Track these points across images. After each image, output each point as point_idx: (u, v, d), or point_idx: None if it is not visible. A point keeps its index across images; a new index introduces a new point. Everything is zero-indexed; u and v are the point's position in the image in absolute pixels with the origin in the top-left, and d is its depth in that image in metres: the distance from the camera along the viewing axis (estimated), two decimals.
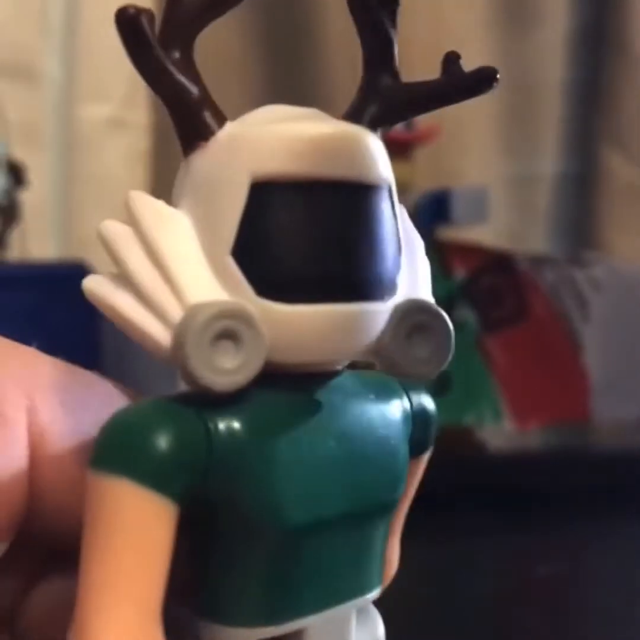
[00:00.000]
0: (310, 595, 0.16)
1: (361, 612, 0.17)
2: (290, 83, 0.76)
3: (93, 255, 0.74)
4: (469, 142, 0.82)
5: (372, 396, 0.16)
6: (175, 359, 0.14)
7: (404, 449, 0.17)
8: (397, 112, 0.16)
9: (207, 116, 0.16)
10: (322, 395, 0.16)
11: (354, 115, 0.16)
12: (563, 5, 0.87)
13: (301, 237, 0.15)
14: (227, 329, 0.14)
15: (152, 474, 0.14)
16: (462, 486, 0.58)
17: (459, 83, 0.16)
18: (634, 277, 0.72)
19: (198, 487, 0.14)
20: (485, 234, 0.75)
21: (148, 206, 0.16)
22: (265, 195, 0.15)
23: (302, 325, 0.15)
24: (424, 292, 0.16)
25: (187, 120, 0.16)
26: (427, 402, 0.18)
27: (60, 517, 0.17)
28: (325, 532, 0.16)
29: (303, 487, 0.15)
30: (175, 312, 0.14)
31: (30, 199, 0.72)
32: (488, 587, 0.47)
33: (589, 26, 0.88)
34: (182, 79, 0.15)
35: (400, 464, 0.17)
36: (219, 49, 0.84)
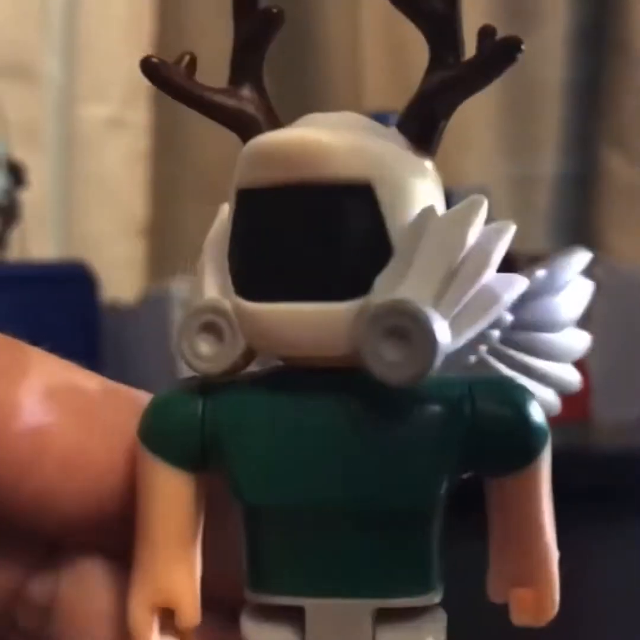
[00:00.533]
0: (304, 577, 0.17)
1: (399, 617, 0.17)
2: (288, 87, 0.76)
3: (93, 255, 0.74)
4: (470, 142, 0.82)
5: (395, 398, 0.16)
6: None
7: (422, 463, 0.16)
8: (445, 105, 0.17)
9: (251, 130, 0.17)
10: (330, 391, 0.16)
11: (405, 118, 0.17)
12: (563, 5, 0.87)
13: (261, 240, 0.16)
14: (210, 322, 0.16)
15: (155, 443, 0.17)
16: (461, 486, 0.58)
17: (489, 56, 0.16)
18: (634, 277, 0.72)
19: (199, 459, 0.17)
20: None
21: (223, 211, 0.17)
22: (241, 202, 0.16)
23: (265, 322, 0.16)
24: (421, 294, 0.16)
25: (236, 133, 0.17)
26: (512, 411, 0.16)
27: None
28: (308, 521, 0.16)
29: (264, 471, 0.16)
30: None
31: (30, 199, 0.72)
32: None
33: (589, 26, 0.88)
34: (231, 101, 0.17)
35: (413, 473, 0.16)
36: (218, 54, 0.84)
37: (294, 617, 0.17)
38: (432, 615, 0.17)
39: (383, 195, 0.16)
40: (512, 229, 0.16)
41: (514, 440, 0.16)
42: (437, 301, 0.16)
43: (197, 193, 0.85)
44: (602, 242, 0.87)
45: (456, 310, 0.16)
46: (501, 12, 0.86)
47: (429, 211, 0.16)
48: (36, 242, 0.77)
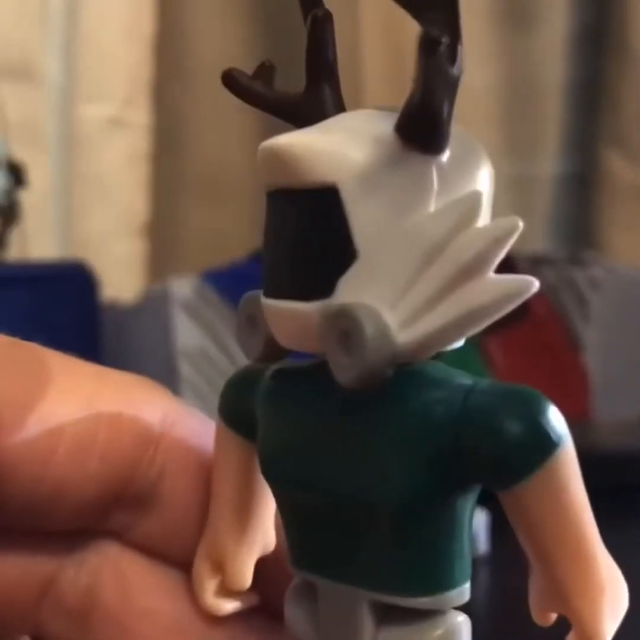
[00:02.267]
0: (316, 556, 0.17)
1: (394, 612, 0.17)
2: (288, 88, 0.76)
3: (93, 255, 0.74)
4: None
5: (394, 396, 0.16)
6: None
7: (396, 463, 0.16)
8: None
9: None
10: (316, 384, 0.17)
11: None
12: (563, 5, 0.87)
13: (264, 240, 0.17)
14: (249, 314, 0.18)
15: (221, 409, 0.19)
16: None
17: None
18: (634, 277, 0.72)
19: (253, 431, 0.18)
20: None
21: None
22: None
23: (268, 315, 0.17)
24: (375, 297, 0.16)
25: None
26: (507, 424, 0.15)
27: None
28: (309, 506, 0.17)
29: (276, 453, 0.18)
30: None
31: (30, 199, 0.72)
32: (488, 586, 0.47)
33: (589, 26, 0.88)
34: (308, 105, 0.18)
35: (383, 471, 0.16)
36: (219, 54, 0.84)
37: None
38: (434, 620, 0.17)
39: (349, 198, 0.16)
40: (512, 228, 0.15)
41: (504, 457, 0.15)
42: (395, 304, 0.16)
43: (197, 193, 0.85)
44: (602, 242, 0.87)
45: (424, 313, 0.15)
46: (501, 12, 0.86)
47: (401, 213, 0.16)
48: (36, 242, 0.77)
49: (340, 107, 0.18)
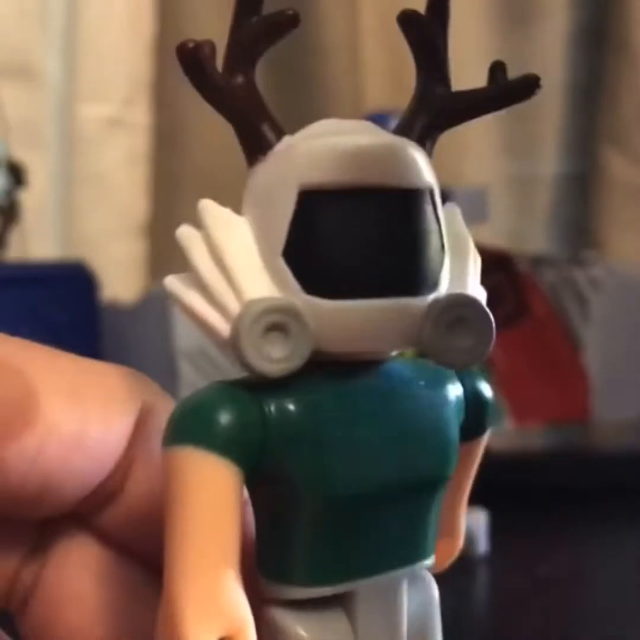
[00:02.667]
0: (359, 560, 0.17)
1: (414, 577, 0.18)
2: (288, 88, 0.76)
3: (93, 255, 0.74)
4: (469, 142, 0.82)
5: (421, 382, 0.18)
6: (233, 348, 0.16)
7: (453, 432, 0.18)
8: (447, 120, 0.18)
9: (266, 132, 0.18)
10: (370, 380, 0.18)
11: (405, 126, 0.18)
12: (563, 5, 0.87)
13: (342, 240, 0.17)
14: (277, 322, 0.16)
15: (215, 441, 0.16)
16: None
17: (505, 90, 0.18)
18: (634, 277, 0.72)
19: (255, 459, 0.17)
20: (485, 234, 0.75)
21: (214, 213, 0.18)
22: (311, 202, 0.17)
23: (344, 319, 0.17)
24: (470, 287, 0.18)
25: (248, 137, 0.18)
26: (483, 388, 0.19)
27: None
28: (372, 503, 0.17)
29: (347, 462, 0.17)
30: (234, 307, 0.16)
31: (30, 199, 0.72)
32: (488, 586, 0.47)
33: (589, 26, 0.88)
34: (243, 100, 0.17)
35: (447, 445, 0.18)
36: (219, 58, 0.84)
37: (332, 602, 0.18)
38: (427, 574, 0.19)
39: (437, 199, 0.17)
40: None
41: (483, 415, 0.19)
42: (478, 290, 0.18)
43: (197, 193, 0.85)
44: (602, 242, 0.87)
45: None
46: (501, 12, 0.86)
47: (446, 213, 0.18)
48: (36, 242, 0.77)
49: (255, 99, 0.18)
